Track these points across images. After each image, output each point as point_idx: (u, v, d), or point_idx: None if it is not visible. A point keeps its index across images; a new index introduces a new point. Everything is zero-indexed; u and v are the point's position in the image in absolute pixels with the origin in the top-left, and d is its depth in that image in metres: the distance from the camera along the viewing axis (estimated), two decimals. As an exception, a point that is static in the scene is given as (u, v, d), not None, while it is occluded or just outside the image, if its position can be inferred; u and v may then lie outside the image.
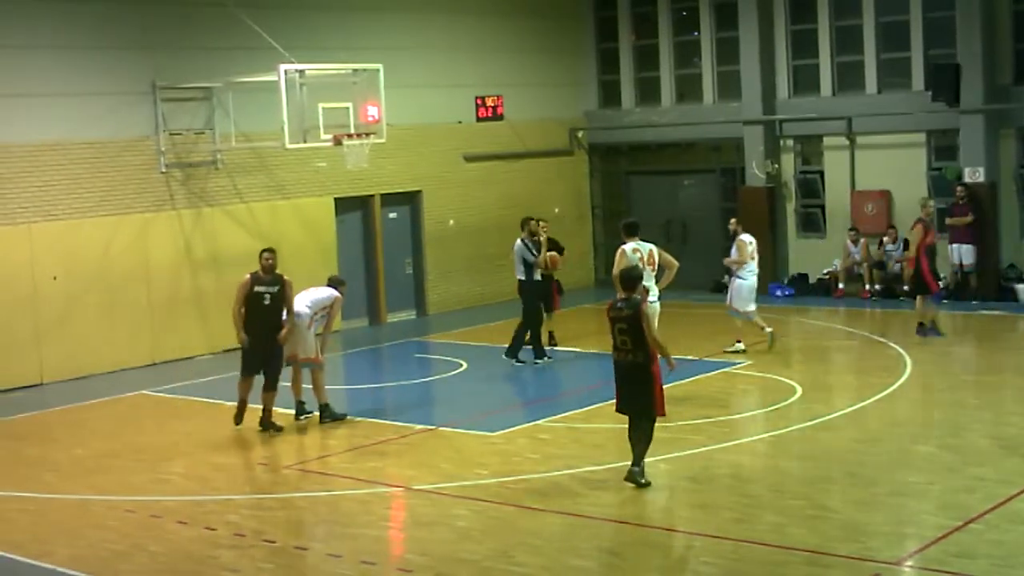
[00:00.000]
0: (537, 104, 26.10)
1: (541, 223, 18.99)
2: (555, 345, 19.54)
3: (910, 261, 19.25)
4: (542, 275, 18.64)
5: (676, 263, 15.69)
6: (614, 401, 12.04)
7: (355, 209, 23.01)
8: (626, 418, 11.98)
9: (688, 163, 26.52)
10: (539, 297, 18.53)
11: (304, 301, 15.04)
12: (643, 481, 11.60)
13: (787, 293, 24.21)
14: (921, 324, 18.91)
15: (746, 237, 18.27)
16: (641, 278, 12.35)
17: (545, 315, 19.30)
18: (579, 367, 18.53)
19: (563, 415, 14.84)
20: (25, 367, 18.40)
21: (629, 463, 11.80)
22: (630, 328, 11.60)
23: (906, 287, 22.60)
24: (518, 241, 18.45)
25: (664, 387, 15.29)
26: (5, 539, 11.14)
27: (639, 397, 11.71)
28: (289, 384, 15.44)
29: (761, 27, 24.39)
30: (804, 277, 24.57)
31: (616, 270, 14.88)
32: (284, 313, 14.79)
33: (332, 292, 15.30)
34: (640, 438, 11.72)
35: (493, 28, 25.33)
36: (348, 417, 15.21)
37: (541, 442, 13.73)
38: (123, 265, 19.47)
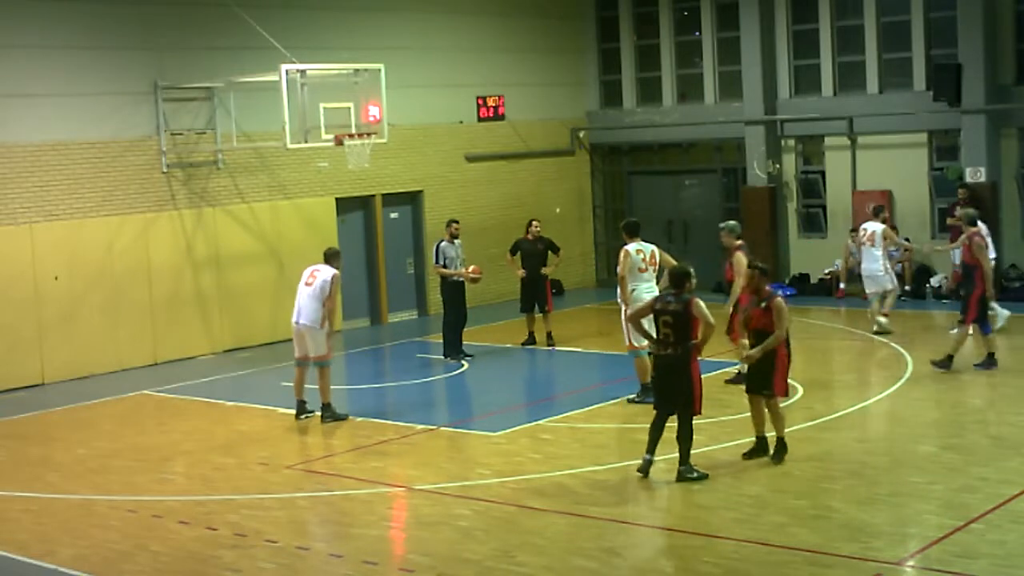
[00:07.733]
0: (539, 104, 26.10)
1: (534, 223, 19.73)
2: (552, 345, 19.58)
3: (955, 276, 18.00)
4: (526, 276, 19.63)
5: (675, 264, 15.62)
6: (631, 399, 11.94)
7: (357, 209, 23.01)
8: (634, 416, 11.99)
9: (689, 163, 26.52)
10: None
11: (316, 297, 14.99)
12: (696, 474, 11.74)
13: (788, 293, 24.18)
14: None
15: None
16: (688, 274, 12.32)
17: (540, 315, 19.55)
18: (580, 367, 18.53)
19: (565, 415, 14.84)
20: (27, 367, 18.41)
21: (631, 463, 11.85)
22: (675, 322, 11.76)
23: (907, 287, 22.73)
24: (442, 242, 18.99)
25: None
26: (8, 539, 11.15)
27: (680, 392, 11.84)
28: (291, 384, 15.50)
29: (762, 27, 24.39)
30: (805, 277, 24.57)
31: (622, 271, 14.90)
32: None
33: (328, 273, 15.14)
34: (682, 435, 11.84)
35: (494, 28, 25.33)
36: (349, 417, 15.22)
37: (543, 442, 13.73)
38: (125, 265, 19.47)
